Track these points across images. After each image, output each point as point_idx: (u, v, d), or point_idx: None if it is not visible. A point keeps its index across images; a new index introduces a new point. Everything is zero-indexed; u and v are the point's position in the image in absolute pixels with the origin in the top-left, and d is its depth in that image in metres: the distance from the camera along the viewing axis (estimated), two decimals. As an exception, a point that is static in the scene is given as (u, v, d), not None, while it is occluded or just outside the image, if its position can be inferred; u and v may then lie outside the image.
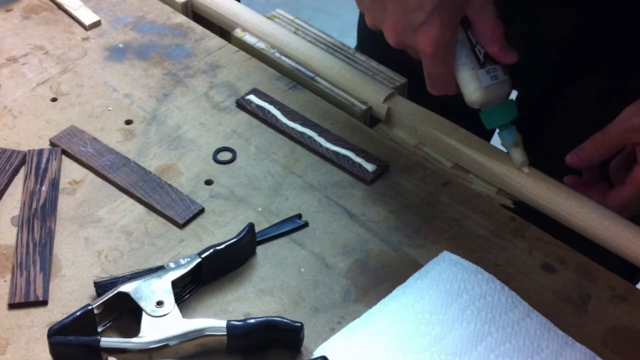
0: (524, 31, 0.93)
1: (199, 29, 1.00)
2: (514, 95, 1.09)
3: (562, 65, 0.94)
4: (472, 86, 0.78)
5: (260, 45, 0.98)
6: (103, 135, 0.87)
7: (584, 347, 0.70)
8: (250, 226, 0.75)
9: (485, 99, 0.78)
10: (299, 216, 0.80)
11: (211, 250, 0.73)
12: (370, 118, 0.91)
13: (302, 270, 0.76)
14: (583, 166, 0.82)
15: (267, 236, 0.78)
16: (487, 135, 1.13)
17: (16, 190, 0.81)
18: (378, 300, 0.72)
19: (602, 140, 0.79)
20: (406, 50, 0.78)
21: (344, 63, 0.94)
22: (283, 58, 0.96)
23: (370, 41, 1.08)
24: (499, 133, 0.82)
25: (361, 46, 1.13)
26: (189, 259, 0.72)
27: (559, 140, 0.84)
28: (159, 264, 0.74)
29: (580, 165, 0.81)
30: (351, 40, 1.15)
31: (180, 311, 0.69)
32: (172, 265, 0.72)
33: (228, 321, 0.68)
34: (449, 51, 0.76)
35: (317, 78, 0.94)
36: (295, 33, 0.99)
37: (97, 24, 1.00)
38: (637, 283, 0.88)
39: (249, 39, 0.99)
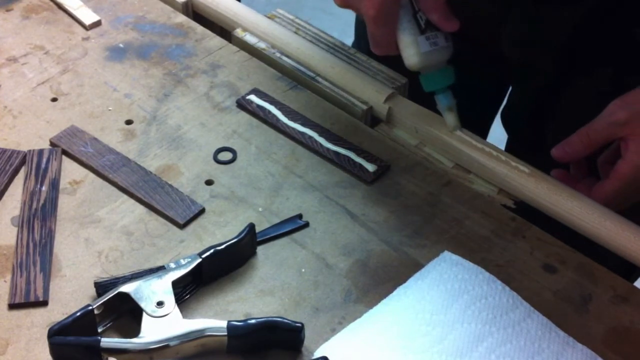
0: (524, 31, 0.93)
1: (200, 28, 1.00)
2: (513, 94, 1.09)
3: (562, 64, 0.94)
4: (410, 51, 0.80)
5: (261, 45, 0.98)
6: (103, 135, 0.87)
7: (585, 348, 0.69)
8: (251, 226, 0.75)
9: (423, 64, 0.81)
10: (300, 216, 0.80)
11: (212, 251, 0.73)
12: (371, 118, 0.91)
13: (303, 270, 0.75)
14: (568, 160, 0.82)
15: (267, 236, 0.78)
16: (485, 136, 1.13)
17: (16, 190, 0.81)
18: (379, 301, 0.72)
19: (588, 134, 0.79)
20: (351, 9, 0.80)
21: (344, 63, 0.94)
22: (284, 58, 0.96)
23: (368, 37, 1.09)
24: (435, 97, 0.84)
25: (358, 42, 1.13)
26: (190, 259, 0.72)
27: (560, 139, 0.84)
28: (159, 264, 0.74)
29: (565, 159, 0.82)
30: (352, 40, 1.15)
31: (181, 311, 0.69)
32: (172, 265, 0.72)
33: (228, 321, 0.68)
34: (391, 15, 0.78)
35: (318, 78, 0.94)
36: (295, 33, 0.99)
37: (97, 24, 1.00)
38: (635, 281, 0.88)
39: (250, 38, 0.98)
